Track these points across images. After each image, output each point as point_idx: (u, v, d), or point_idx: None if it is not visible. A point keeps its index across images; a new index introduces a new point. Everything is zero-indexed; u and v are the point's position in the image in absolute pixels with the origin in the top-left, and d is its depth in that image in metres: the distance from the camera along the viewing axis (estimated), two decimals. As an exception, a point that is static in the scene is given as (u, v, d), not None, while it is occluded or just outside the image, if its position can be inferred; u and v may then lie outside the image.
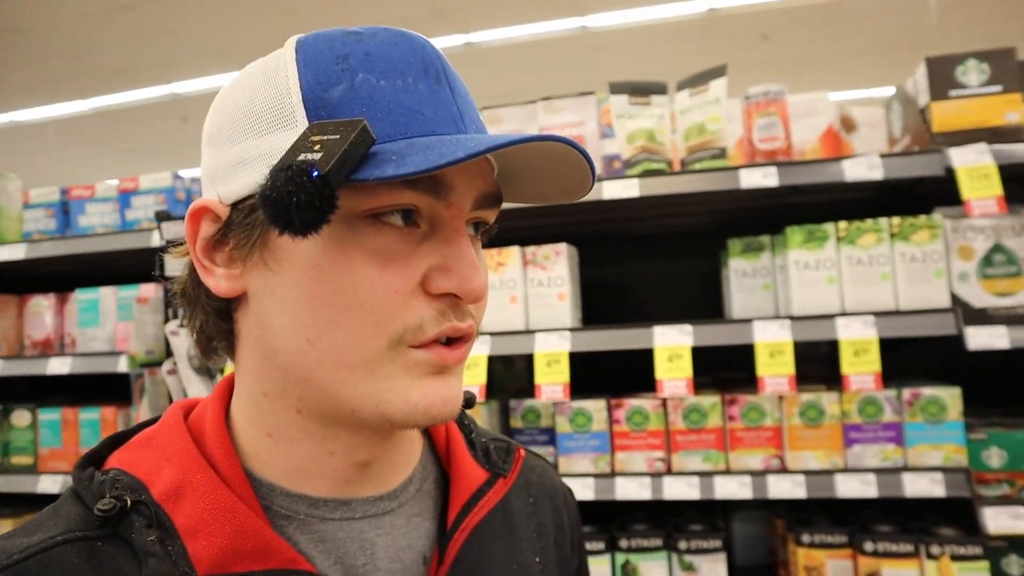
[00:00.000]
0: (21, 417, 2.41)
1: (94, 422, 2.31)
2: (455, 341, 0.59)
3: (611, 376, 2.24)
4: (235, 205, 0.58)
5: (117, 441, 0.65)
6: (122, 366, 2.13)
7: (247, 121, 0.58)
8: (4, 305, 2.50)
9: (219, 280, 0.60)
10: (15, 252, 2.33)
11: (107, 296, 2.34)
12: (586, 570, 0.86)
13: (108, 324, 2.34)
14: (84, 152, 10.28)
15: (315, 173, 0.49)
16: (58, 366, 2.27)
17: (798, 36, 7.37)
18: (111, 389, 2.57)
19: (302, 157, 0.50)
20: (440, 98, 0.57)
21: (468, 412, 0.81)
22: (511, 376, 2.52)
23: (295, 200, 0.48)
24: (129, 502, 0.57)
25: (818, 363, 2.20)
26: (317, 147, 0.51)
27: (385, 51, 0.57)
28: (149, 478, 0.59)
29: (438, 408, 0.58)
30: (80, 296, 2.39)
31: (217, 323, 0.64)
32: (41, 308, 2.49)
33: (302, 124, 0.55)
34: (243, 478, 0.60)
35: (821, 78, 8.46)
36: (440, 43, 7.24)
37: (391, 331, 0.56)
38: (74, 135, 9.32)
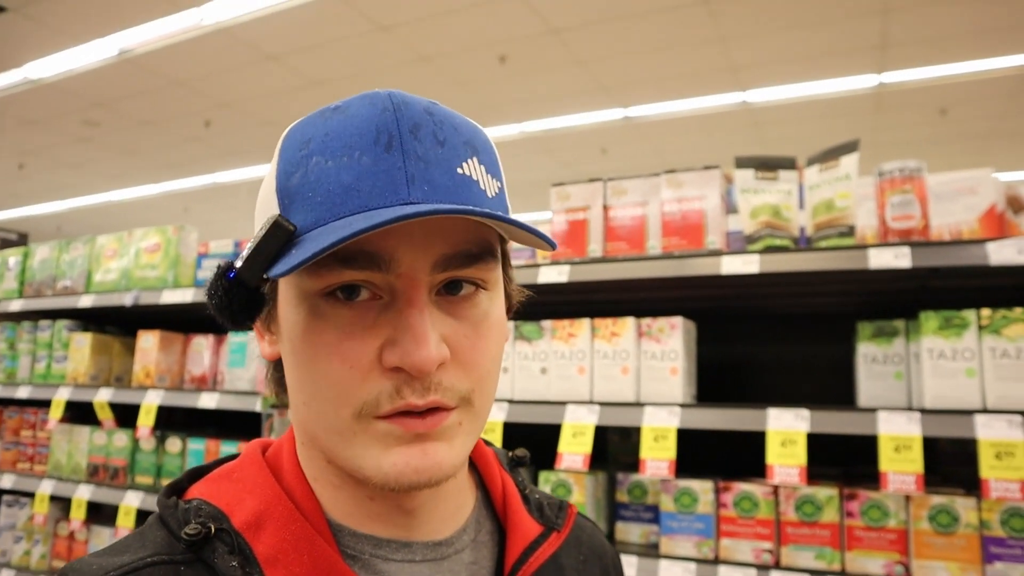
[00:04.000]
0: (173, 444, 2.66)
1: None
2: (434, 410, 0.59)
3: (722, 459, 2.14)
4: None
5: (198, 474, 0.71)
6: (257, 405, 2.31)
7: (259, 210, 0.65)
8: (171, 342, 2.80)
9: (265, 346, 0.68)
10: (185, 296, 2.62)
11: (253, 339, 2.55)
12: None
13: (252, 365, 2.55)
14: (270, 210, 11.35)
15: (231, 274, 0.55)
16: (208, 400, 2.50)
17: (978, 111, 6.87)
18: (252, 425, 2.79)
19: (242, 254, 0.56)
20: (384, 167, 0.56)
21: (522, 470, 0.84)
22: (626, 448, 2.47)
23: (213, 301, 0.55)
24: (212, 529, 0.61)
25: (963, 466, 1.99)
26: (251, 244, 0.56)
27: (343, 127, 0.58)
28: (230, 508, 0.63)
29: (408, 477, 0.58)
30: (232, 339, 2.63)
31: (275, 376, 0.71)
32: (201, 347, 2.76)
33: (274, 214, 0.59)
34: (320, 513, 0.64)
35: (1008, 155, 7.81)
36: (600, 116, 7.46)
37: (353, 404, 0.58)
38: (262, 195, 10.32)
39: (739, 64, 6.23)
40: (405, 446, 0.58)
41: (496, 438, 2.01)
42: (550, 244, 0.60)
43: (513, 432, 2.06)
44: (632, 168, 8.79)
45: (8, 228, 9.39)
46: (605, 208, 2.11)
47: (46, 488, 2.84)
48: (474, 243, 0.60)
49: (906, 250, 1.66)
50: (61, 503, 2.91)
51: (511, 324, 2.13)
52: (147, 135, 8.38)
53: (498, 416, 2.02)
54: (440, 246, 0.58)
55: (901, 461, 1.60)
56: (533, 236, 0.60)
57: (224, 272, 0.55)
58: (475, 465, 0.78)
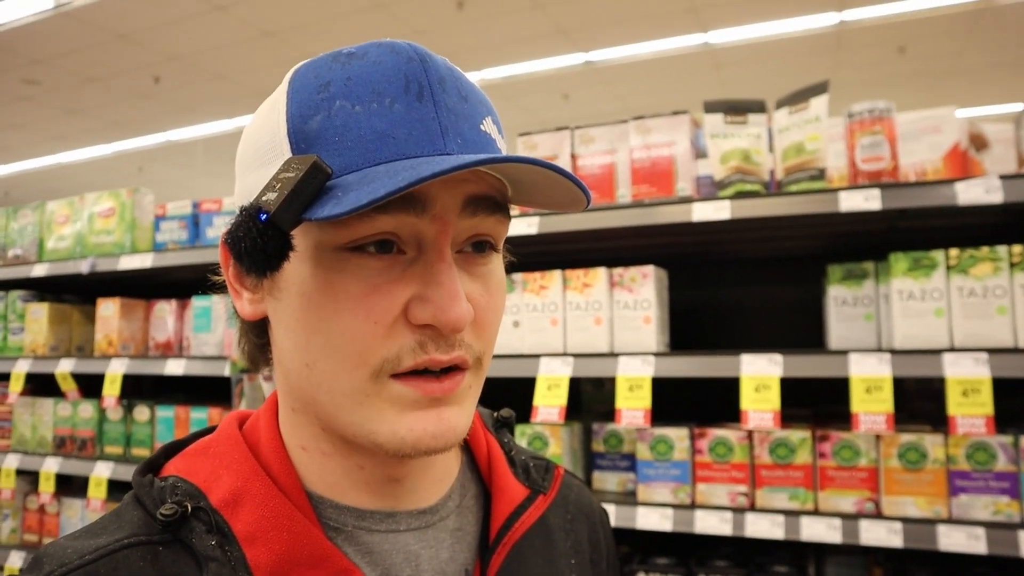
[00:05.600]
0: (141, 412, 2.61)
1: (203, 421, 2.46)
2: (449, 371, 0.58)
3: (697, 405, 2.16)
4: None
5: (174, 449, 0.68)
6: (226, 370, 2.27)
7: (255, 153, 0.61)
8: (133, 309, 2.72)
9: (245, 304, 0.63)
10: (144, 261, 2.53)
11: (218, 303, 2.49)
12: None
13: (218, 330, 2.50)
14: (228, 168, 11.08)
15: (263, 216, 0.50)
16: (174, 367, 2.45)
17: (937, 48, 6.89)
18: (222, 390, 2.74)
19: (265, 197, 0.52)
20: (417, 116, 0.55)
21: (509, 431, 0.83)
22: (600, 398, 2.48)
23: (243, 245, 0.51)
24: (189, 508, 0.59)
25: (930, 402, 2.04)
26: (278, 186, 0.51)
27: (366, 73, 0.56)
28: (207, 485, 0.61)
29: (426, 443, 0.57)
30: (196, 303, 2.56)
31: (253, 339, 0.67)
32: (165, 313, 2.69)
33: (287, 157, 0.56)
34: (299, 488, 0.62)
35: (966, 94, 7.88)
36: (561, 61, 7.34)
37: (371, 363, 0.56)
38: (218, 153, 10.06)
39: (699, 4, 6.14)
40: (421, 411, 0.57)
41: (471, 394, 2.00)
42: (586, 195, 0.60)
43: (487, 387, 2.05)
44: (595, 114, 8.72)
45: (-48, 194, 9.02)
46: (573, 157, 2.08)
47: (11, 462, 2.78)
48: (497, 191, 0.60)
49: (876, 192, 1.66)
50: (29, 477, 2.86)
51: (482, 279, 2.10)
52: (93, 93, 8.04)
53: (472, 372, 2.00)
54: (469, 186, 0.58)
55: (872, 402, 1.62)
56: (554, 196, 0.61)
57: (253, 215, 0.51)
58: None
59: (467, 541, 0.68)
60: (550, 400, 1.90)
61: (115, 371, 2.54)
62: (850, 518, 1.66)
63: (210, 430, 0.70)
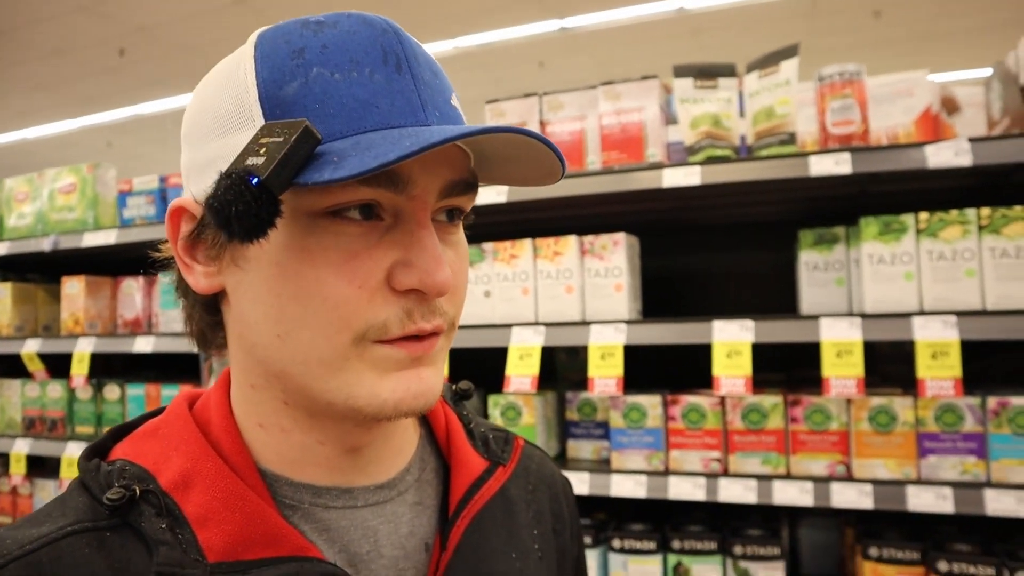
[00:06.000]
0: (112, 391, 2.57)
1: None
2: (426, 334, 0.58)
3: (671, 372, 2.16)
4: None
5: (122, 432, 0.66)
6: (194, 347, 2.23)
7: (213, 120, 0.58)
8: (100, 286, 2.67)
9: (199, 277, 0.61)
10: (108, 237, 2.48)
11: (186, 279, 2.45)
12: (583, 560, 0.86)
13: (187, 306, 2.45)
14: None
15: (254, 180, 0.48)
16: (143, 345, 2.41)
17: (912, 12, 6.87)
18: (193, 367, 2.71)
19: (249, 162, 0.50)
20: (398, 88, 0.55)
21: (467, 403, 0.82)
22: (575, 366, 2.48)
23: (233, 209, 0.49)
24: (138, 491, 0.57)
25: (900, 365, 2.05)
26: (263, 151, 0.50)
27: (343, 41, 0.56)
28: (156, 467, 0.60)
29: (408, 403, 0.57)
30: (163, 278, 2.51)
31: (205, 317, 0.65)
32: (132, 290, 2.64)
33: (259, 123, 0.55)
34: (252, 467, 0.61)
35: (939, 58, 7.89)
36: (535, 28, 7.24)
37: (355, 327, 0.55)
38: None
39: (676, -32, 6.07)
40: (401, 371, 0.58)
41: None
42: (562, 166, 0.60)
43: (459, 357, 2.04)
44: (571, 81, 8.62)
45: (-85, 173, 8.78)
46: (542, 124, 2.04)
47: (-19, 444, 2.74)
48: (469, 172, 0.61)
49: (846, 156, 1.65)
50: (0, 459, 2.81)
51: (452, 250, 2.07)
52: (57, 67, 7.82)
53: (444, 344, 1.99)
54: (447, 173, 0.58)
55: (843, 366, 1.62)
56: (527, 170, 0.63)
57: (244, 178, 0.49)
58: None
59: (427, 515, 0.67)
60: (522, 370, 1.89)
61: (83, 350, 2.49)
62: (822, 481, 1.67)
63: (159, 411, 0.68)
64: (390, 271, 0.56)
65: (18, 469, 2.64)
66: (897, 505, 1.61)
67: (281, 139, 0.50)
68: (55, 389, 2.64)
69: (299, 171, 0.50)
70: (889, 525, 1.83)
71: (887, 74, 1.99)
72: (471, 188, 0.61)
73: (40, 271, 3.01)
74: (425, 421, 0.75)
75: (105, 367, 2.89)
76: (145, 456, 0.61)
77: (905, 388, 1.78)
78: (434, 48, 7.62)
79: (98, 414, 2.59)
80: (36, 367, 2.65)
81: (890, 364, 2.11)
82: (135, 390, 2.52)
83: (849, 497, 1.64)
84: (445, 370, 1.97)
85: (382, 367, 0.57)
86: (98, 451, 0.64)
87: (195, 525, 0.57)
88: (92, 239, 2.48)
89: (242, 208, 0.49)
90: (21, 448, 2.63)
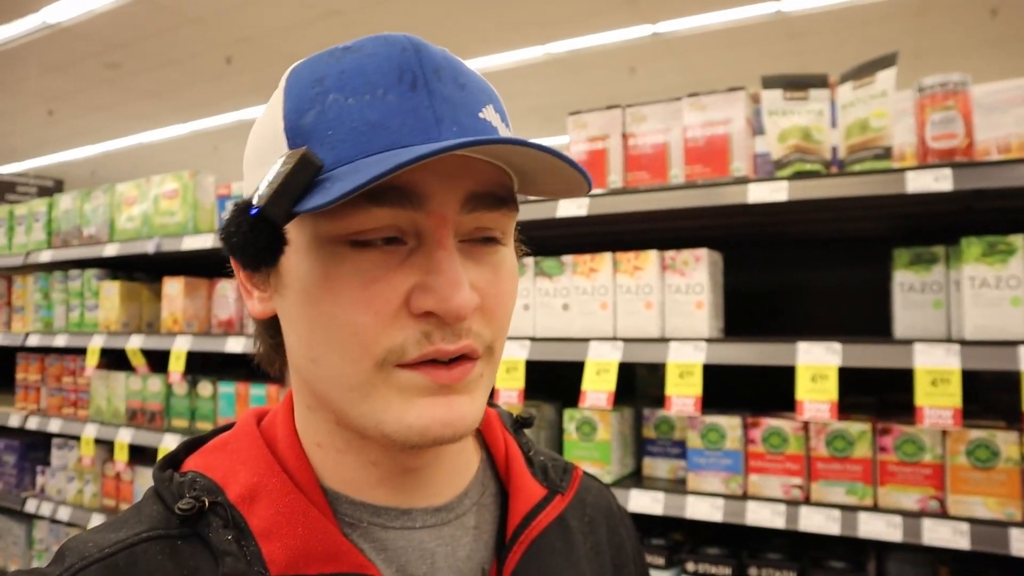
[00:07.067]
0: (205, 388, 2.70)
1: (261, 398, 2.53)
2: (459, 359, 0.57)
3: (753, 393, 2.09)
4: None
5: (194, 445, 0.69)
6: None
7: (258, 151, 0.61)
8: (196, 288, 2.80)
9: (255, 303, 0.64)
10: (205, 241, 2.60)
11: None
12: None
13: (276, 309, 2.55)
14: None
15: (253, 211, 0.50)
16: (234, 345, 2.51)
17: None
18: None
19: (261, 191, 0.51)
20: (410, 106, 0.55)
21: (527, 431, 0.82)
22: (655, 381, 2.43)
23: (235, 239, 0.51)
24: (207, 503, 0.60)
25: (1008, 393, 1.91)
26: (271, 181, 0.51)
27: (360, 65, 0.56)
28: (225, 481, 0.62)
29: (436, 431, 0.56)
30: (255, 282, 2.61)
31: (266, 339, 0.68)
32: (226, 291, 2.76)
33: (284, 153, 0.55)
34: (315, 484, 0.63)
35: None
36: (627, 34, 7.16)
37: (375, 353, 0.55)
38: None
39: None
40: (429, 398, 0.57)
41: (519, 377, 1.99)
42: (586, 179, 0.58)
43: (536, 370, 2.03)
44: (662, 88, 8.50)
45: (43, 175, 9.48)
46: (624, 136, 2.02)
47: (90, 432, 2.92)
48: (500, 185, 0.59)
49: (947, 172, 1.55)
50: (106, 445, 3.00)
51: (531, 260, 2.07)
52: (169, 75, 8.30)
53: (520, 354, 1.99)
54: (469, 183, 0.57)
55: (938, 395, 1.53)
56: (559, 182, 0.60)
57: (244, 209, 0.51)
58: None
59: (484, 540, 0.67)
60: (599, 385, 1.87)
61: (180, 348, 2.62)
62: (912, 516, 1.57)
63: (230, 426, 0.71)
64: (408, 295, 0.55)
65: (121, 456, 2.81)
66: (998, 548, 1.49)
67: (284, 168, 0.51)
68: (155, 383, 2.79)
69: (299, 199, 0.51)
70: (989, 567, 1.71)
71: (999, 80, 1.86)
72: (503, 203, 0.59)
73: (145, 271, 3.19)
74: (486, 447, 0.75)
75: (203, 364, 3.03)
76: (215, 469, 0.63)
77: (1009, 420, 1.65)
78: (524, 54, 7.65)
79: (192, 409, 2.72)
80: (139, 362, 2.81)
81: (994, 392, 1.97)
82: (226, 388, 2.64)
83: (942, 535, 1.54)
84: (520, 382, 1.97)
85: (407, 393, 0.56)
86: (171, 462, 0.67)
87: (259, 538, 0.58)
88: (191, 242, 2.61)
89: (240, 240, 0.51)
90: (124, 437, 2.79)
